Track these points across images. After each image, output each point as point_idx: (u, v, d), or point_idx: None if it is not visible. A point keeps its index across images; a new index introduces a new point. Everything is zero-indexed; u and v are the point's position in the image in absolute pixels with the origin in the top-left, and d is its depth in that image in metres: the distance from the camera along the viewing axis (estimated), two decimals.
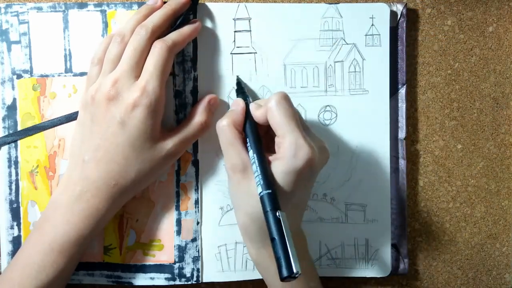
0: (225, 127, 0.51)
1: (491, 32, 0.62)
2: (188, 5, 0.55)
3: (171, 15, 0.54)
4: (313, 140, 0.50)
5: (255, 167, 0.48)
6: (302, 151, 0.48)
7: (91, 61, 0.54)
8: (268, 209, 0.46)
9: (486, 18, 0.62)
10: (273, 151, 0.51)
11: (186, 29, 0.54)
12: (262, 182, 0.47)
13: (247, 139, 0.51)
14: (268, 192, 0.47)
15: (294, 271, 0.43)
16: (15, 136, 0.57)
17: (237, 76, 0.58)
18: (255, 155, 0.49)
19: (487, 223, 0.63)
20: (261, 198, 0.47)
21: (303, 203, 0.54)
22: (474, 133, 0.62)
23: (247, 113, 0.53)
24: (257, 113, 0.52)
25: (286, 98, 0.50)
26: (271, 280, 0.53)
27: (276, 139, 0.50)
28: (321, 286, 0.55)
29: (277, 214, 0.46)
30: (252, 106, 0.53)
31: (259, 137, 0.51)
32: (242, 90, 0.56)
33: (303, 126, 0.52)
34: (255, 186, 0.48)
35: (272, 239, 0.45)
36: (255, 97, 0.58)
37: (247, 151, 0.51)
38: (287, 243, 0.44)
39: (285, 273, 0.43)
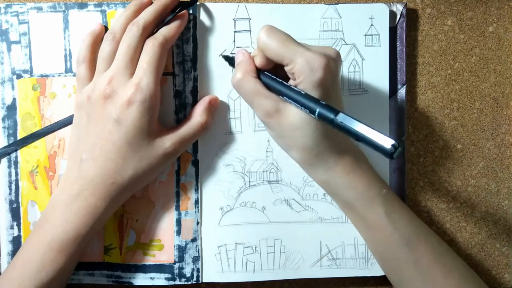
0: (242, 79, 0.52)
1: (491, 32, 0.62)
2: (178, 0, 0.55)
3: (162, 11, 0.54)
4: (317, 49, 0.50)
5: (291, 95, 0.49)
6: (316, 62, 0.48)
7: (77, 61, 0.54)
8: (333, 117, 0.46)
9: (486, 18, 0.62)
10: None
11: (175, 22, 0.54)
12: (307, 103, 0.48)
13: (265, 82, 0.52)
14: (320, 106, 0.47)
15: (394, 142, 0.43)
16: (14, 146, 0.57)
17: (221, 55, 0.58)
18: (281, 87, 0.50)
19: (487, 223, 0.63)
20: (320, 115, 0.47)
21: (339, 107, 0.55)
22: (474, 133, 0.62)
23: None
24: (258, 60, 0.53)
25: (272, 28, 0.51)
26: (343, 195, 0.54)
27: (286, 68, 0.50)
28: (391, 190, 0.56)
29: (341, 115, 0.46)
30: (251, 59, 0.54)
31: (274, 74, 0.53)
32: (232, 61, 0.57)
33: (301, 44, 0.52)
34: (295, 118, 0.50)
35: (357, 136, 0.45)
36: None
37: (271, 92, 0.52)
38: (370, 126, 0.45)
39: (389, 146, 0.43)
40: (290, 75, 0.51)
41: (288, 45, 0.49)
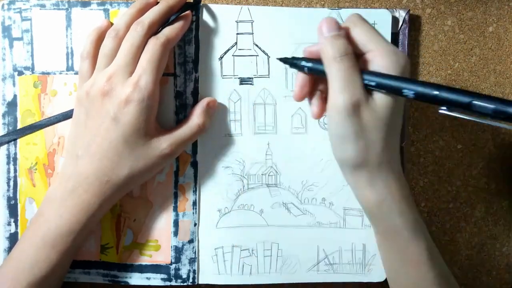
0: (347, 56, 0.47)
1: (491, 32, 0.62)
2: (184, 2, 0.55)
3: (168, 12, 0.54)
4: None
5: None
6: (401, 57, 0.46)
7: (81, 56, 0.54)
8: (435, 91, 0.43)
9: (486, 18, 0.62)
10: None
11: (178, 23, 0.54)
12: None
13: None
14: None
15: None
16: (12, 136, 0.57)
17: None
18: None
19: (487, 223, 0.63)
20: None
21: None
22: (474, 133, 0.62)
23: None
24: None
25: (362, 16, 0.49)
26: (393, 220, 0.49)
27: (368, 55, 0.47)
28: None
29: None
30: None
31: None
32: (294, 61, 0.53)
33: None
34: (372, 115, 0.46)
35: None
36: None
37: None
38: None
39: None
40: (364, 63, 0.48)
41: (375, 33, 0.48)
